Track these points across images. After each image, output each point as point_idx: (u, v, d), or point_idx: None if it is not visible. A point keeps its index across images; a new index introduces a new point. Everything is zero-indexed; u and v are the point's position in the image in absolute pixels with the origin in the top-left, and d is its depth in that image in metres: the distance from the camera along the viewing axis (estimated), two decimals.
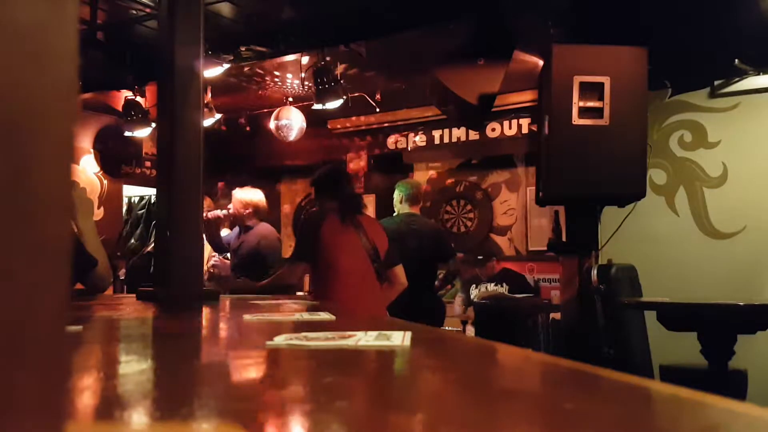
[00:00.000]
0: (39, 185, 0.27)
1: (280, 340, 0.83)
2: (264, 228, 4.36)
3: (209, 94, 5.58)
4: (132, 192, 7.58)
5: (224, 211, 4.30)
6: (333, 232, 3.06)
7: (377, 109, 6.36)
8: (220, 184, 7.77)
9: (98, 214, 6.81)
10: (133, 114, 5.59)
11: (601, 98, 2.99)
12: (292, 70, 5.54)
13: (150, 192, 7.44)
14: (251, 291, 3.88)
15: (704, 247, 4.27)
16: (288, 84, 5.96)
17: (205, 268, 4.42)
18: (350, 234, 3.09)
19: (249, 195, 4.35)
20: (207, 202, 5.06)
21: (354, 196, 3.29)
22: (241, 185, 4.56)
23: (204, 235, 4.20)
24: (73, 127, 0.29)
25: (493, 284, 5.48)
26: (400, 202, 4.22)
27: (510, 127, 6.42)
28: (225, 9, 4.26)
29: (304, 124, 6.06)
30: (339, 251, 3.05)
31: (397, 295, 3.28)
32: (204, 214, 4.26)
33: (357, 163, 7.22)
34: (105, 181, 6.97)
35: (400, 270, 3.29)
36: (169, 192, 1.83)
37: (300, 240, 3.26)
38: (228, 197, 4.79)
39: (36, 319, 0.27)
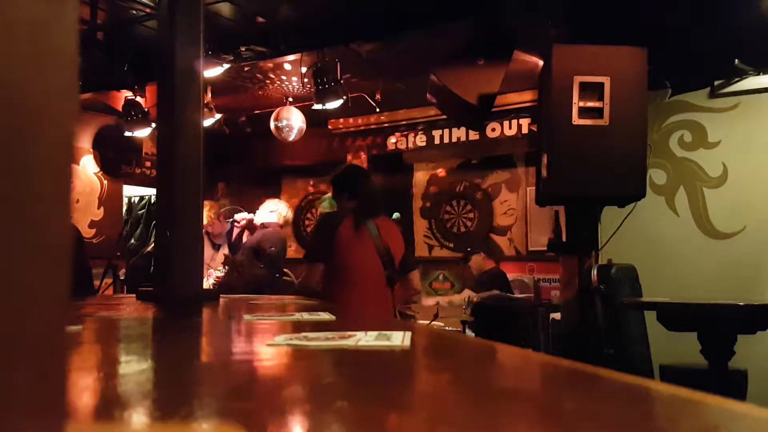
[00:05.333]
0: (39, 185, 0.27)
1: (280, 340, 0.83)
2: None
3: (209, 94, 5.58)
4: (132, 192, 7.58)
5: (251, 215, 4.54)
6: (349, 235, 2.97)
7: (377, 109, 6.36)
8: (220, 184, 7.77)
9: (98, 214, 6.82)
10: (133, 114, 5.59)
11: (601, 98, 2.98)
12: (292, 70, 5.54)
13: (150, 192, 7.44)
14: (266, 278, 3.96)
15: (704, 247, 4.26)
16: (288, 84, 5.96)
17: (209, 275, 4.52)
18: (365, 238, 2.99)
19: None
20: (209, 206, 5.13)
21: (373, 198, 3.15)
22: (242, 185, 4.66)
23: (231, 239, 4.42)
24: (73, 127, 0.29)
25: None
26: None
27: (510, 127, 6.42)
28: (225, 9, 4.26)
29: (304, 124, 6.06)
30: (351, 255, 2.96)
31: (409, 299, 3.28)
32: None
33: (357, 163, 7.22)
34: (105, 181, 6.96)
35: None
36: (169, 192, 1.83)
37: (316, 240, 3.15)
38: (228, 197, 4.90)
39: (36, 319, 0.27)
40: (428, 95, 3.90)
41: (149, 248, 5.38)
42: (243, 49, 4.67)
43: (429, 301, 5.34)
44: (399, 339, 0.82)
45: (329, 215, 3.27)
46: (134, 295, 1.94)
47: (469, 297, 5.23)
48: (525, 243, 6.43)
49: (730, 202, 4.24)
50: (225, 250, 4.97)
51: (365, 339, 0.82)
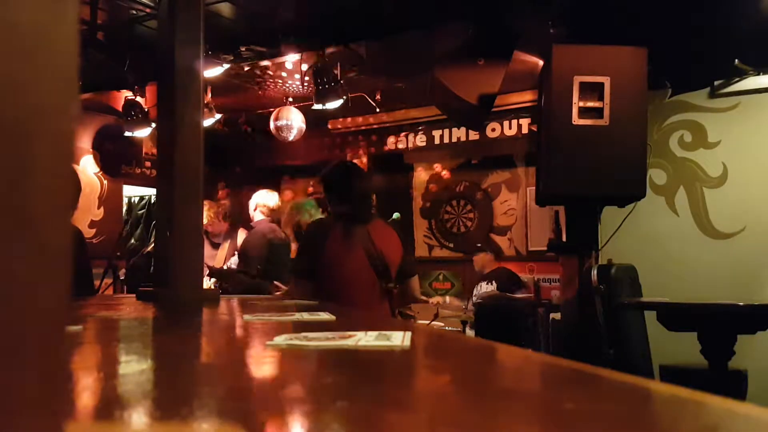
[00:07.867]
0: (39, 185, 0.27)
1: (280, 340, 0.83)
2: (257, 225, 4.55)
3: (209, 94, 5.58)
4: (132, 192, 7.58)
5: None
6: (338, 247, 2.71)
7: (377, 109, 6.36)
8: (220, 184, 7.78)
9: (98, 214, 6.82)
10: (133, 114, 5.59)
11: (601, 98, 2.98)
12: (292, 70, 5.54)
13: (150, 192, 7.44)
14: (253, 285, 3.91)
15: (704, 247, 4.26)
16: (288, 84, 5.96)
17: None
18: (356, 249, 2.72)
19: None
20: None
21: (366, 201, 2.88)
22: (242, 185, 4.64)
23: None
24: (73, 127, 0.29)
25: (485, 282, 5.51)
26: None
27: (510, 127, 6.43)
28: (225, 9, 4.26)
29: (304, 124, 6.06)
30: (342, 269, 2.71)
31: (405, 306, 3.06)
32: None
33: (357, 163, 7.22)
34: (105, 181, 6.96)
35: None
36: (169, 192, 1.83)
37: (302, 254, 2.87)
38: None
39: (36, 319, 0.27)
40: (428, 95, 3.91)
41: (149, 248, 5.39)
42: (243, 49, 4.67)
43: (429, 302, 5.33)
44: (399, 339, 0.82)
45: (316, 224, 3.02)
46: (134, 295, 1.94)
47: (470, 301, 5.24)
48: (525, 243, 6.43)
49: (730, 202, 4.24)
50: (224, 249, 4.97)
51: (365, 339, 0.82)
